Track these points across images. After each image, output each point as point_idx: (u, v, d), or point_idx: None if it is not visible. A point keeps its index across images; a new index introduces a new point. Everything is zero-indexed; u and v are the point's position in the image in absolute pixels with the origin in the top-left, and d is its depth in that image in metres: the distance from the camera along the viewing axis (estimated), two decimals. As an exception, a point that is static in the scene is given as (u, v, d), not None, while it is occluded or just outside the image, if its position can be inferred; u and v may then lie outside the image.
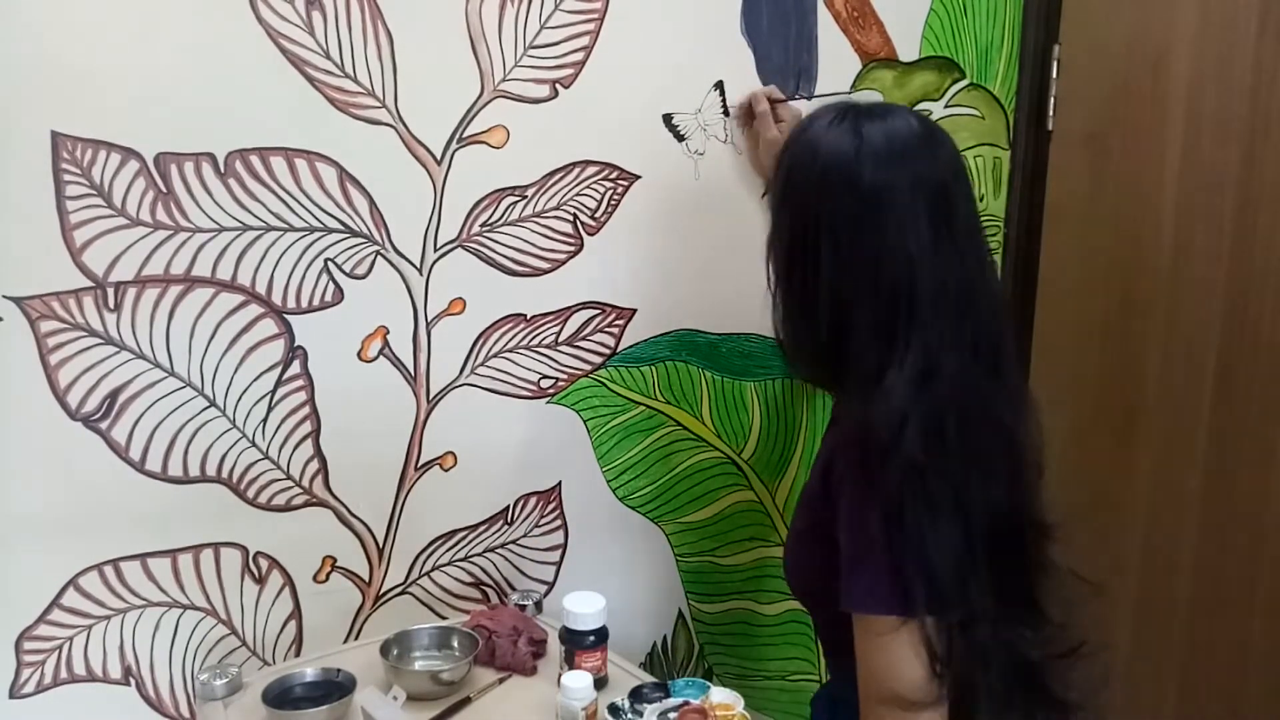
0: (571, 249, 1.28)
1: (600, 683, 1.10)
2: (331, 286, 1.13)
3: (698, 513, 1.45)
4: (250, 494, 1.13)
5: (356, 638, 1.23)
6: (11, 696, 1.04)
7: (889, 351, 0.89)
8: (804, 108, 1.32)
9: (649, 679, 1.11)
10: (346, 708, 1.05)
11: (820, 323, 0.93)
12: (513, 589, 1.32)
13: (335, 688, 1.07)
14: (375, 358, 1.18)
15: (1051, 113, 1.64)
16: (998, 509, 0.88)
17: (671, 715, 1.00)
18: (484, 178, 1.20)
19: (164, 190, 1.03)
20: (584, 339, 1.31)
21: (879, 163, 0.90)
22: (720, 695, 1.03)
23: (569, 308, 1.29)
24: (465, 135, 1.18)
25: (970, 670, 0.87)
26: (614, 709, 1.04)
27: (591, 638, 1.10)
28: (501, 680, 1.14)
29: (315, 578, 1.19)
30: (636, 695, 1.06)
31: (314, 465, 1.16)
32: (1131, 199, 1.55)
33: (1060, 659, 0.93)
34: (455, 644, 1.16)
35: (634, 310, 1.34)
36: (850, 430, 0.92)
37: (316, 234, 1.11)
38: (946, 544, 0.85)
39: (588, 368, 1.33)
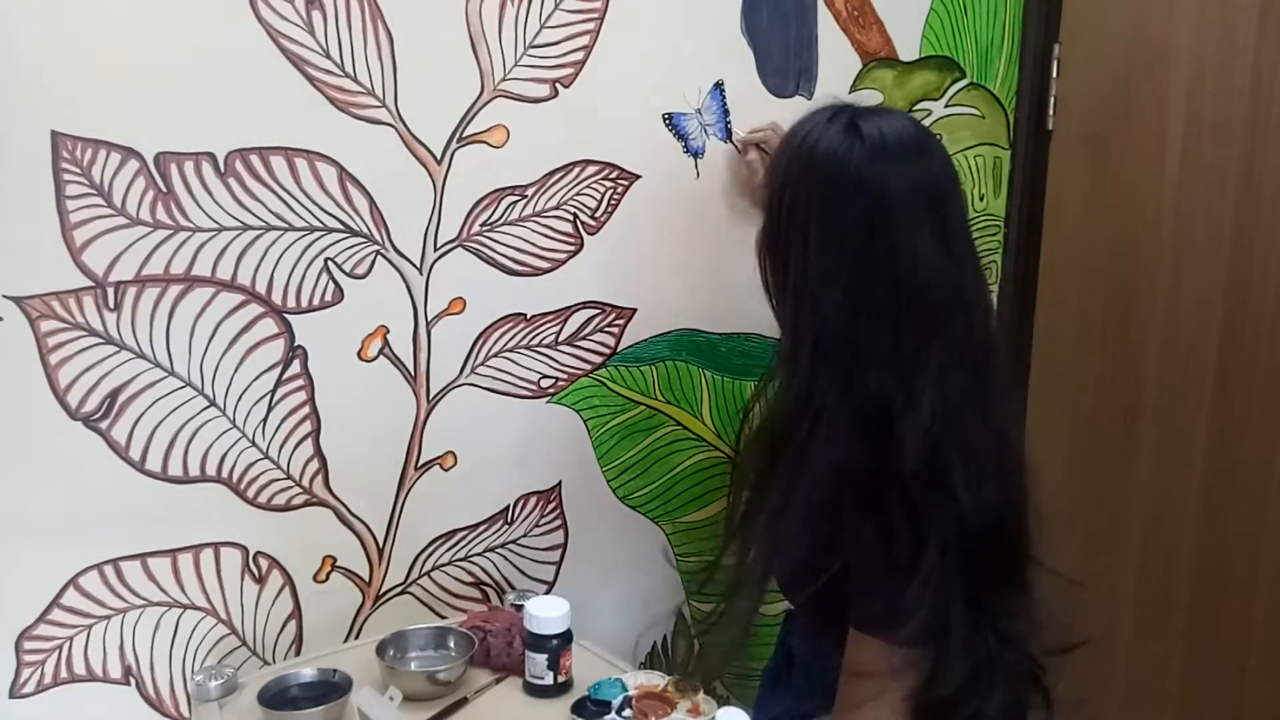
0: (571, 249, 1.28)
1: (565, 685, 1.10)
2: (331, 286, 1.13)
3: (698, 513, 1.45)
4: (250, 494, 1.13)
5: (357, 637, 1.23)
6: (11, 696, 1.04)
7: (900, 362, 0.88)
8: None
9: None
10: (343, 708, 1.05)
11: (820, 329, 0.91)
12: (511, 588, 1.32)
13: (332, 688, 1.07)
14: (375, 357, 1.18)
15: (1051, 113, 1.65)
16: (990, 512, 0.89)
17: (627, 713, 1.02)
18: (484, 177, 1.20)
19: (164, 190, 1.03)
20: (584, 339, 1.31)
21: (879, 161, 0.90)
22: (642, 678, 1.06)
23: (569, 307, 1.29)
24: (465, 135, 1.18)
25: (968, 670, 0.88)
26: None
27: (555, 641, 1.10)
28: (498, 680, 1.14)
29: (315, 577, 1.19)
30: (580, 709, 1.06)
31: (314, 465, 1.16)
32: (1131, 199, 1.55)
33: (1058, 655, 0.94)
34: (452, 644, 1.16)
35: (634, 310, 1.34)
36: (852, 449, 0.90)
37: (316, 234, 1.11)
38: (935, 565, 0.86)
39: (588, 367, 1.32)
